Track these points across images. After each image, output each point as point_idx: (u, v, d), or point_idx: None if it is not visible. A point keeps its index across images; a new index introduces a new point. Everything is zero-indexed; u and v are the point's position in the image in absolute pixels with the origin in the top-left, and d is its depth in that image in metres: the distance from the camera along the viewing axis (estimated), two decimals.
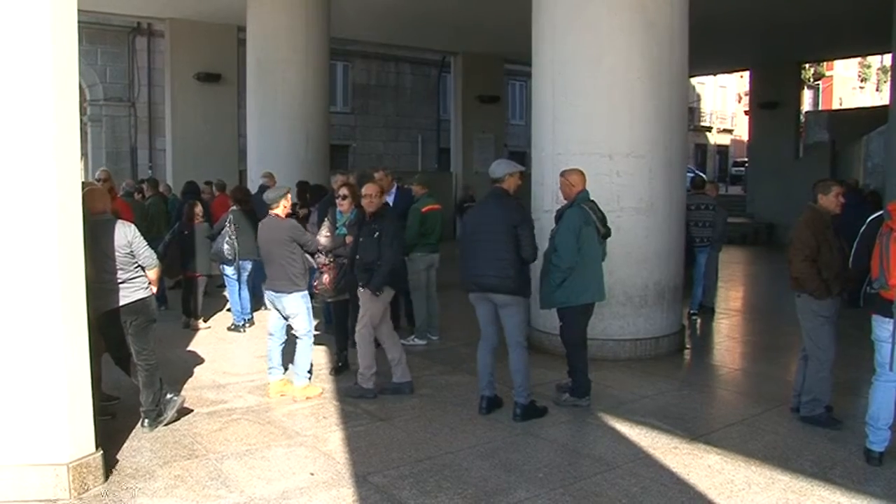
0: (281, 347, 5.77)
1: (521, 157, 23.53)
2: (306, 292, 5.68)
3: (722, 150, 41.04)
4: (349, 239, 6.01)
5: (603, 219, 5.34)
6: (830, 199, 4.95)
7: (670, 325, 7.15)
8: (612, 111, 6.73)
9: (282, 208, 5.69)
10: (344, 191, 6.19)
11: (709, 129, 39.92)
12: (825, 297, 4.87)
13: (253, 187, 11.11)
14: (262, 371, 6.39)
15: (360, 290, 5.64)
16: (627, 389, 5.92)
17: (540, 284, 5.31)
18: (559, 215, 5.36)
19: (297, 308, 5.63)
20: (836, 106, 36.40)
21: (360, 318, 5.63)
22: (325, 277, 5.99)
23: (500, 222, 4.97)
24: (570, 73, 6.85)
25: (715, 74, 32.69)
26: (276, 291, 5.62)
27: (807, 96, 33.02)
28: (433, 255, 7.45)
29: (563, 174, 5.45)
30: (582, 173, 5.40)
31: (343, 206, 6.18)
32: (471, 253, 5.09)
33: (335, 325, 6.60)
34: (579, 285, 5.20)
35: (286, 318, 5.70)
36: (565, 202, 5.40)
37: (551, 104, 7.02)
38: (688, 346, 7.56)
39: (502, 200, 5.08)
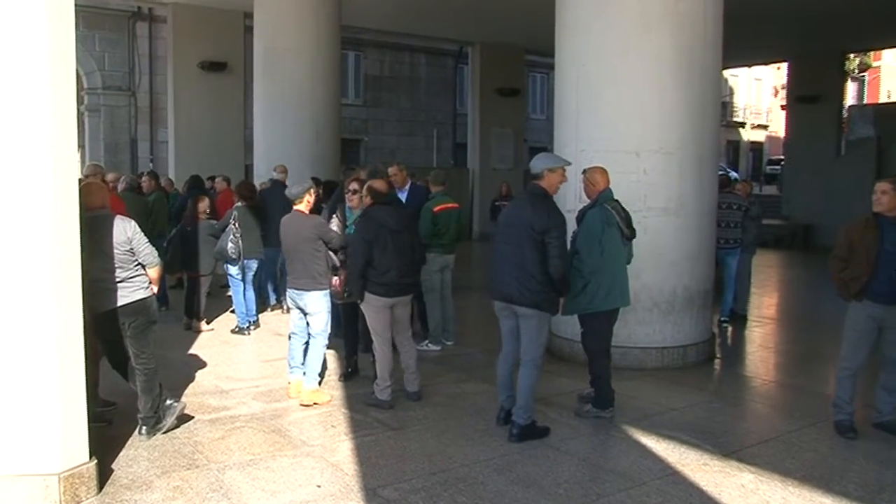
0: (303, 347, 5.81)
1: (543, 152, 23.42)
2: (328, 291, 5.73)
3: (756, 147, 40.74)
4: None
5: (628, 219, 5.30)
6: (873, 199, 4.93)
7: (699, 333, 7.09)
8: (640, 106, 6.69)
9: (305, 204, 5.74)
10: (354, 185, 6.19)
11: (742, 124, 39.64)
12: (844, 297, 5.02)
13: (259, 182, 11.15)
14: (267, 376, 6.43)
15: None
16: (654, 401, 5.88)
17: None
18: (581, 216, 5.33)
19: (318, 306, 5.67)
20: (883, 99, 35.89)
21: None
22: (336, 279, 6.01)
23: (527, 227, 4.79)
24: (596, 65, 6.82)
25: (750, 66, 32.48)
26: (298, 289, 5.68)
27: (850, 89, 32.65)
28: (447, 256, 7.43)
29: (585, 172, 5.42)
30: (605, 171, 5.37)
31: (353, 201, 6.18)
32: (496, 258, 5.02)
33: (344, 328, 6.60)
34: (602, 290, 5.16)
35: (307, 316, 5.75)
36: (588, 202, 5.38)
37: (575, 98, 6.99)
38: (718, 355, 7.50)
39: (535, 201, 4.88)
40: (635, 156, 6.68)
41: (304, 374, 5.78)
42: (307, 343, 5.81)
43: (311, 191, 5.81)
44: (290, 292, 5.79)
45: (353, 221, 6.22)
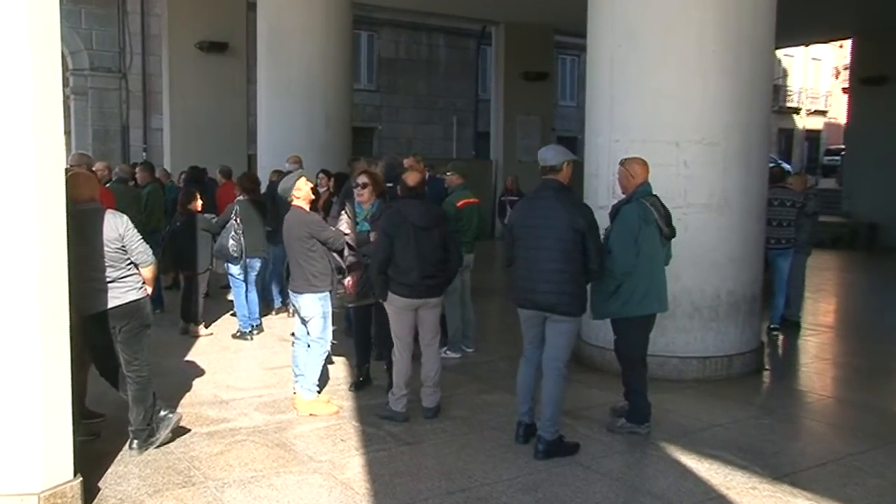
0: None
1: (572, 143, 23.44)
2: (326, 294, 5.74)
3: (812, 135, 40.23)
4: (374, 236, 6.02)
5: (667, 216, 5.28)
6: None
7: (746, 342, 7.05)
8: (682, 90, 6.66)
9: (304, 198, 5.75)
10: (363, 178, 6.19)
11: (797, 110, 39.17)
12: None
13: (263, 173, 11.21)
14: (271, 385, 6.46)
15: None
16: (695, 416, 5.84)
17: (591, 291, 5.25)
18: (615, 212, 5.31)
19: (311, 310, 5.70)
20: None
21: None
22: (349, 280, 6.02)
23: (563, 225, 4.79)
24: (633, 46, 6.79)
25: (807, 45, 31.95)
26: (294, 291, 5.78)
27: None
28: (468, 255, 7.43)
29: (622, 163, 5.40)
30: (645, 163, 5.35)
31: (362, 196, 6.19)
32: (527, 263, 4.98)
33: (356, 334, 6.63)
34: (638, 293, 5.15)
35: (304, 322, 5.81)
36: (622, 196, 5.36)
37: (609, 82, 6.98)
38: (767, 366, 7.45)
39: (562, 196, 4.89)
40: (675, 146, 6.65)
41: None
42: None
43: (301, 181, 5.75)
44: (290, 294, 5.89)
45: (363, 218, 6.24)
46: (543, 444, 4.91)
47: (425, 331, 5.67)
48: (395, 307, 5.55)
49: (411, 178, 5.67)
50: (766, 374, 7.29)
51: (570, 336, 4.99)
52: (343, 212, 6.41)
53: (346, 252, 5.99)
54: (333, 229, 5.95)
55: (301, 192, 5.74)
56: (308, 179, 5.91)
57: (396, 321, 5.59)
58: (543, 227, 4.87)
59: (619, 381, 5.54)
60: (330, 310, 5.82)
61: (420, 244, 5.41)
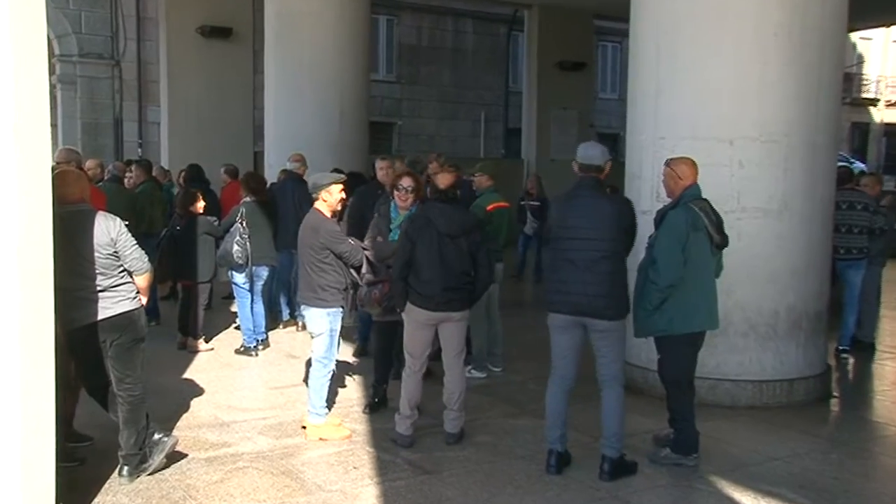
0: None
1: (613, 140, 23.43)
2: (336, 310, 5.76)
3: (892, 130, 39.63)
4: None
5: (718, 223, 5.26)
6: None
7: (810, 365, 6.97)
8: (737, 81, 6.62)
9: (322, 202, 5.80)
10: (409, 181, 6.16)
11: (874, 101, 38.52)
12: None
13: (271, 173, 11.27)
14: (277, 406, 6.49)
15: None
16: (749, 447, 5.79)
17: (633, 306, 5.26)
18: (660, 217, 5.30)
19: (318, 326, 5.74)
20: None
21: None
22: (375, 292, 6.07)
23: (611, 225, 4.95)
24: (682, 31, 6.77)
25: (888, 26, 31.48)
26: (302, 303, 5.86)
27: None
28: (497, 264, 7.42)
29: (669, 164, 5.39)
30: (693, 163, 5.34)
31: (406, 201, 6.17)
32: (564, 263, 5.03)
33: (376, 351, 6.64)
34: (684, 308, 5.13)
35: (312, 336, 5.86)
36: (668, 200, 5.35)
37: (655, 72, 6.96)
38: (835, 393, 7.36)
39: (609, 197, 5.08)
40: (728, 144, 6.62)
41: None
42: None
43: (332, 187, 5.81)
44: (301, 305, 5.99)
45: (397, 225, 6.21)
46: (609, 464, 5.00)
47: (448, 348, 5.68)
48: (413, 320, 5.59)
49: (443, 180, 5.70)
50: (834, 401, 7.21)
51: (622, 340, 5.13)
52: (377, 215, 6.40)
53: (364, 269, 6.01)
54: (352, 241, 5.96)
55: (331, 198, 5.80)
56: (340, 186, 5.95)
57: (411, 335, 5.64)
58: (587, 227, 4.96)
59: (664, 405, 5.51)
60: (339, 328, 5.83)
61: (444, 253, 5.44)
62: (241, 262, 8.01)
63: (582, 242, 4.96)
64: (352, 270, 5.88)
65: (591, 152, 5.12)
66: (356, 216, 7.30)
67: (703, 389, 5.99)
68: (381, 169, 7.75)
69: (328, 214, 5.80)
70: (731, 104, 6.64)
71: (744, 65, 6.61)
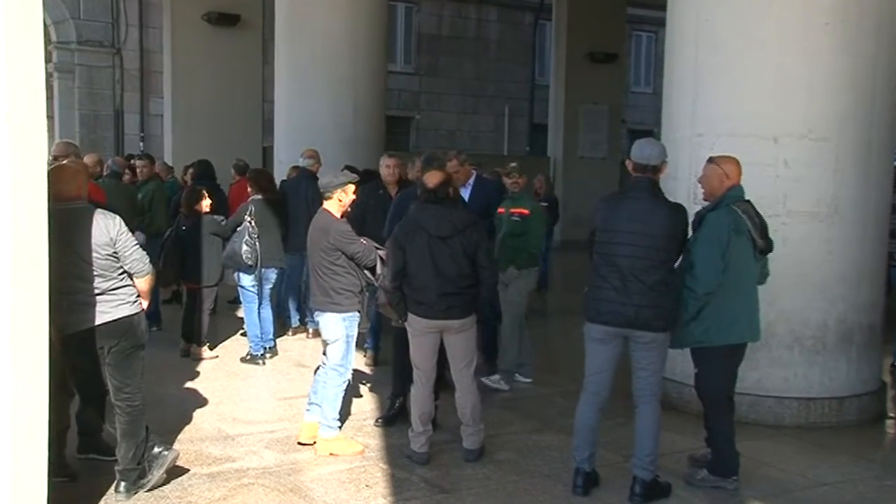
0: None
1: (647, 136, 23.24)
2: (353, 315, 5.77)
3: None
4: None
5: (763, 227, 5.23)
6: None
7: (862, 382, 6.90)
8: (783, 74, 6.56)
9: (337, 202, 5.82)
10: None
11: None
12: None
13: (281, 169, 11.28)
14: (285, 419, 6.49)
15: None
16: (796, 470, 5.73)
17: None
18: (699, 220, 5.26)
19: (332, 332, 5.74)
20: None
21: None
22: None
23: (666, 233, 4.93)
24: (723, 18, 6.74)
25: None
26: (315, 309, 5.90)
27: None
28: (531, 269, 7.59)
29: (715, 161, 5.34)
30: (738, 163, 5.31)
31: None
32: (609, 270, 4.99)
33: (394, 360, 6.63)
34: (723, 318, 5.10)
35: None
36: (705, 202, 5.33)
37: (693, 64, 6.93)
38: (892, 413, 7.29)
39: (660, 196, 5.06)
40: (772, 142, 6.57)
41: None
42: None
43: (348, 187, 5.85)
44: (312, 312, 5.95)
45: None
46: (640, 486, 4.98)
47: (454, 359, 5.70)
48: (414, 328, 5.64)
49: (431, 179, 5.68)
50: (890, 423, 7.14)
51: (665, 354, 5.16)
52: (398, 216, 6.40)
53: (378, 269, 5.99)
54: (364, 241, 5.97)
55: (346, 199, 5.85)
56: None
57: (415, 345, 5.67)
58: (637, 233, 4.94)
59: (700, 423, 5.48)
60: (355, 333, 5.85)
61: (436, 257, 5.45)
62: (250, 262, 8.00)
63: (631, 248, 4.92)
64: (366, 271, 5.89)
65: (647, 151, 5.08)
66: (358, 217, 7.24)
67: (744, 406, 5.96)
68: (388, 167, 7.72)
69: (338, 215, 5.83)
70: (777, 99, 6.58)
71: (791, 56, 6.57)
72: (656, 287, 4.90)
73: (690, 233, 5.25)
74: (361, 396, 7.01)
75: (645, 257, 4.90)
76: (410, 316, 5.58)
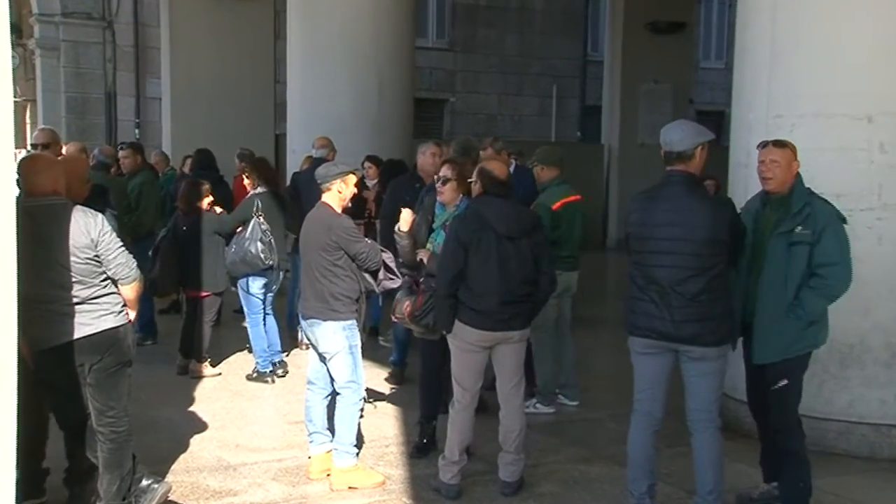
0: (326, 402, 5.90)
1: (717, 119, 23.11)
2: (352, 322, 5.78)
3: None
4: (423, 253, 6.11)
5: None
6: None
7: None
8: (876, 44, 6.47)
9: (336, 194, 5.81)
10: (446, 171, 6.17)
11: None
12: None
13: (294, 159, 11.30)
14: (294, 445, 6.49)
15: None
16: None
17: (769, 320, 5.14)
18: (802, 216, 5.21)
19: (333, 343, 5.72)
20: None
21: None
22: (407, 304, 6.06)
23: (707, 235, 4.86)
24: None
25: None
26: (307, 317, 5.83)
27: None
28: (570, 273, 7.45)
29: (779, 144, 5.25)
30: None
31: (444, 194, 6.19)
32: (645, 282, 4.99)
33: (421, 377, 6.63)
34: (825, 317, 5.15)
35: (322, 360, 5.84)
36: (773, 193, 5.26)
37: (769, 35, 6.87)
38: None
39: (696, 192, 5.02)
40: (866, 122, 6.46)
41: (334, 442, 5.83)
42: (331, 396, 5.86)
43: (349, 177, 5.86)
44: (302, 321, 5.96)
45: (441, 224, 6.23)
46: None
47: (505, 376, 5.67)
48: (464, 342, 5.56)
49: (499, 168, 5.67)
50: None
51: (722, 373, 5.09)
52: (419, 211, 6.41)
53: (381, 274, 6.01)
54: (369, 241, 6.01)
55: (346, 190, 5.85)
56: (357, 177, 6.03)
57: (462, 362, 5.61)
58: (671, 238, 4.91)
59: (756, 451, 5.50)
60: (358, 342, 5.83)
61: (504, 259, 5.42)
62: (270, 262, 8.01)
63: (668, 258, 4.90)
64: (367, 275, 5.89)
65: (671, 135, 5.01)
66: (390, 215, 7.23)
67: (832, 435, 5.91)
68: (433, 155, 7.67)
69: (338, 209, 5.83)
70: (870, 73, 6.48)
71: (887, 23, 6.47)
72: (699, 298, 4.85)
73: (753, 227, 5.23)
74: (381, 419, 6.99)
75: (685, 266, 4.87)
76: (462, 327, 5.51)
